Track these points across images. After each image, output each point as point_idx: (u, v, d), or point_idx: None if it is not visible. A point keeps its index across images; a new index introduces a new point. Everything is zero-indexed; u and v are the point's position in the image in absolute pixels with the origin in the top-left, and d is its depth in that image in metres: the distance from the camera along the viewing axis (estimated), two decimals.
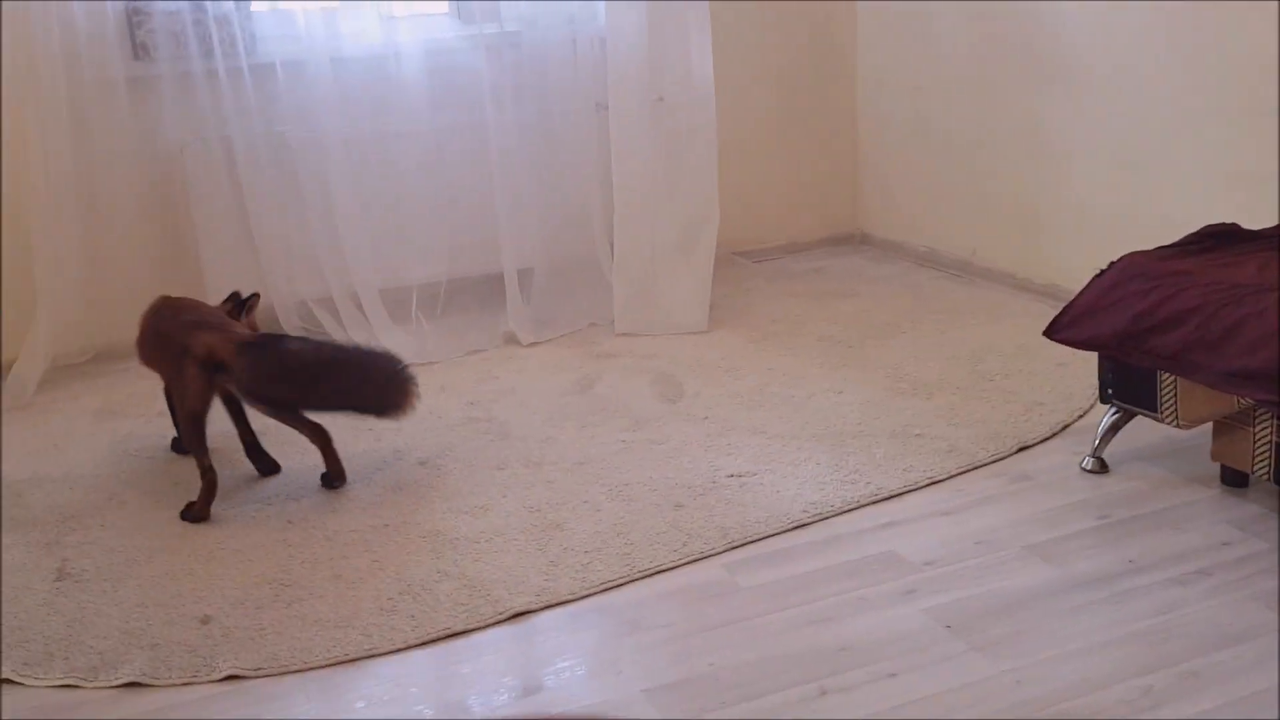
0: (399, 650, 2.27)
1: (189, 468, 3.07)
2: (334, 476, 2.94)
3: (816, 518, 2.70)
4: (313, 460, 3.10)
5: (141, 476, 3.07)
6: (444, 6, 4.19)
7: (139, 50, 3.82)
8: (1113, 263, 2.76)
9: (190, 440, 2.86)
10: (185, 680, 2.20)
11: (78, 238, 3.78)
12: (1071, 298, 2.80)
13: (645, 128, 4.00)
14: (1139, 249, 2.80)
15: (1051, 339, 2.80)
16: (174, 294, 3.27)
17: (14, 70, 3.63)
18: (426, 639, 2.30)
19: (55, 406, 3.61)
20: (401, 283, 4.12)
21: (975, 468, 2.92)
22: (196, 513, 2.81)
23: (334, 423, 3.16)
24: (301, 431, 2.93)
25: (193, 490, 2.92)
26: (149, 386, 3.72)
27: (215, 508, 2.84)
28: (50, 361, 3.77)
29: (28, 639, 2.34)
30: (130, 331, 3.95)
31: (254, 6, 3.88)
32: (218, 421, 2.91)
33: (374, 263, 4.08)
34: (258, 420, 3.02)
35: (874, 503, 2.77)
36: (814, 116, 4.89)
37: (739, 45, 4.66)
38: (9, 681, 2.23)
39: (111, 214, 3.88)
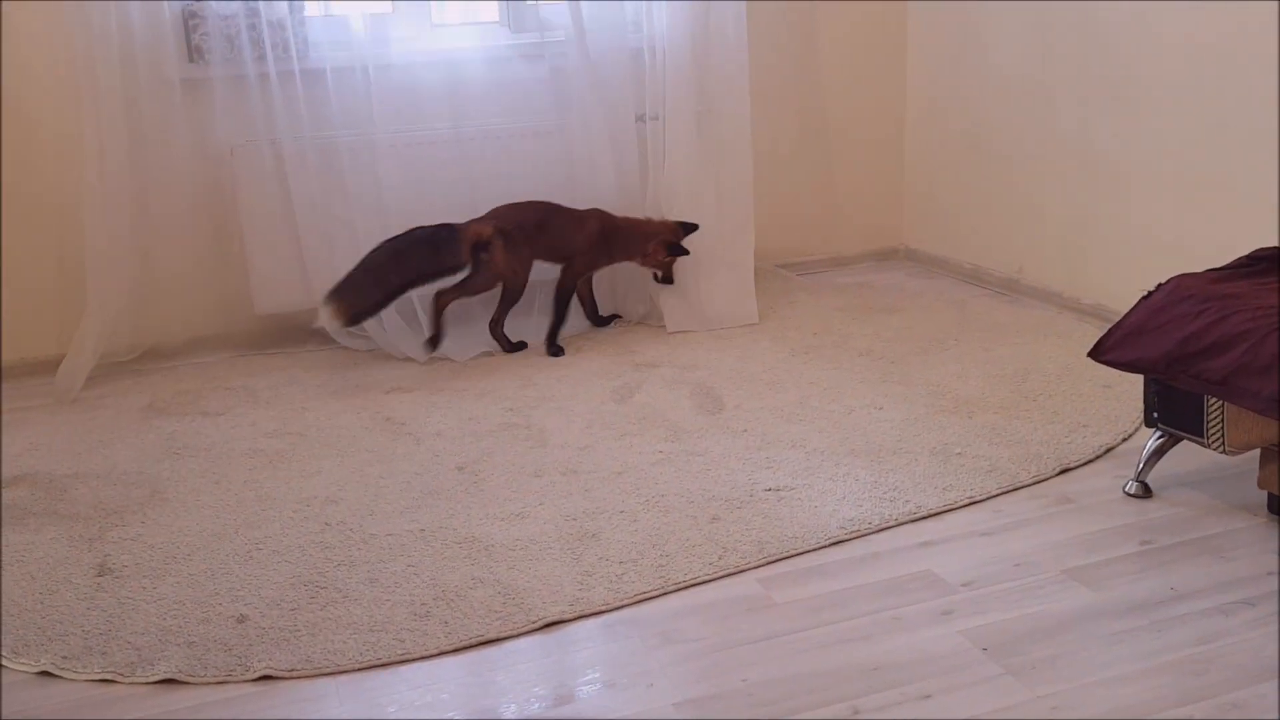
0: (432, 656, 2.28)
1: (231, 468, 3.11)
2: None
3: (854, 534, 2.69)
4: (356, 460, 3.13)
5: (185, 474, 3.10)
6: (494, 15, 4.21)
7: (194, 52, 3.87)
8: (1161, 284, 2.72)
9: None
10: (220, 679, 2.22)
11: (129, 235, 3.83)
12: (1119, 318, 2.77)
13: (693, 137, 4.15)
14: (1188, 271, 2.77)
15: (1097, 360, 2.77)
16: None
17: (73, 70, 3.69)
18: (459, 645, 2.30)
19: (102, 402, 3.66)
20: (444, 286, 4.14)
21: (1016, 488, 2.89)
22: None
23: (375, 422, 3.17)
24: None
25: (234, 488, 2.98)
26: (195, 385, 3.78)
27: (254, 509, 2.88)
28: (99, 358, 3.82)
29: (67, 632, 2.37)
30: (179, 330, 4.05)
31: (307, 12, 3.92)
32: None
33: None
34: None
35: (912, 521, 2.75)
36: (860, 130, 4.87)
37: (786, 58, 4.65)
38: (48, 674, 2.26)
39: (162, 213, 3.93)
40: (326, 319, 3.78)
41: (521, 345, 4.01)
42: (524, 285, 3.96)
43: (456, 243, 3.81)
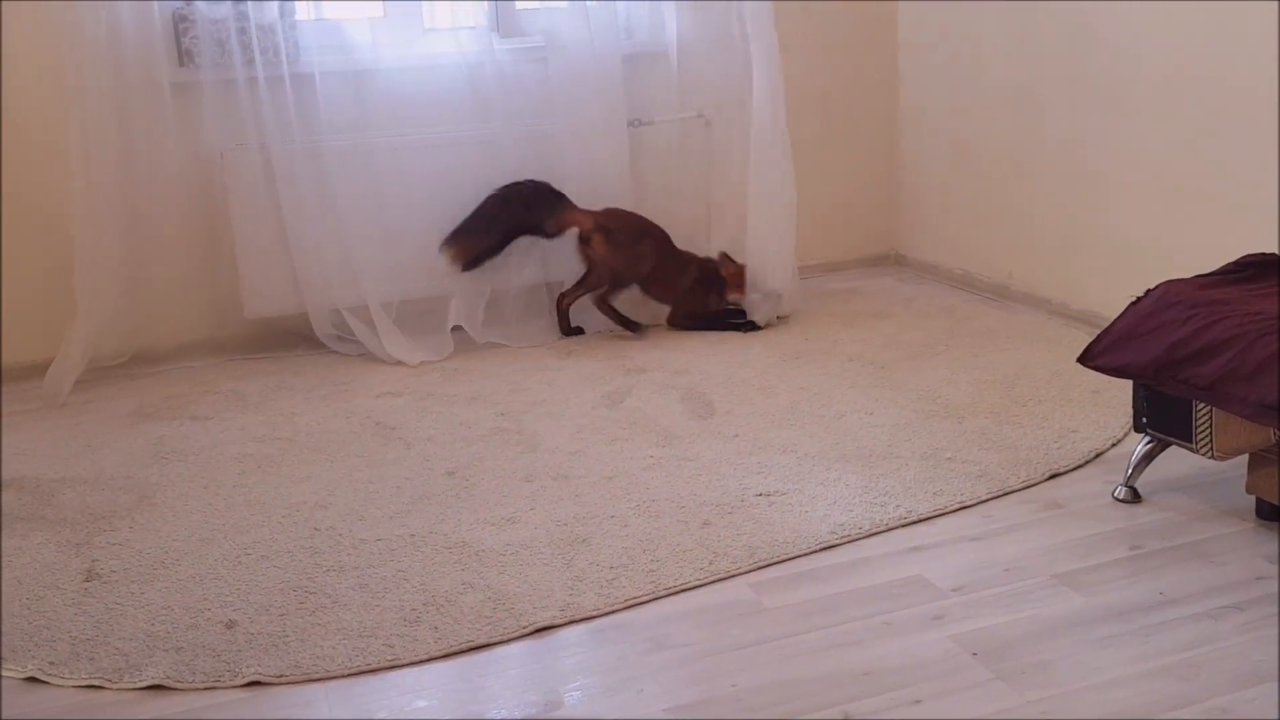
0: (421, 662, 2.27)
1: (219, 473, 3.10)
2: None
3: (844, 539, 2.69)
4: (346, 465, 3.12)
5: (173, 479, 3.09)
6: (484, 20, 4.20)
7: (184, 56, 3.87)
8: (1150, 290, 2.73)
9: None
10: (208, 684, 2.21)
11: (118, 239, 3.82)
12: (1108, 324, 2.78)
13: (735, 137, 4.29)
14: (1177, 277, 2.77)
15: (1086, 365, 2.77)
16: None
17: (63, 73, 3.68)
18: (449, 651, 2.30)
19: (90, 407, 3.65)
20: (436, 293, 4.14)
21: (1006, 493, 2.89)
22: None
23: (365, 427, 3.17)
24: None
25: (222, 493, 2.97)
26: (184, 389, 3.77)
27: (243, 513, 2.87)
28: (87, 362, 3.81)
29: (55, 638, 2.36)
30: (168, 334, 4.04)
31: (298, 16, 3.91)
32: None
33: (410, 271, 4.10)
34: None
35: (903, 526, 2.75)
36: (853, 136, 4.88)
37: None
38: (35, 680, 2.25)
39: (152, 217, 3.92)
40: (446, 263, 4.00)
41: (638, 325, 4.19)
42: (634, 279, 4.14)
43: (550, 211, 4.03)
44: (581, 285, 4.14)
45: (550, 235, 4.08)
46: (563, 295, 4.18)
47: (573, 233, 4.08)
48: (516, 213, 4.02)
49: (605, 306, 4.16)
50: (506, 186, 4.02)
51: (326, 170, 3.96)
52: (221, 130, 3.92)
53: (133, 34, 3.75)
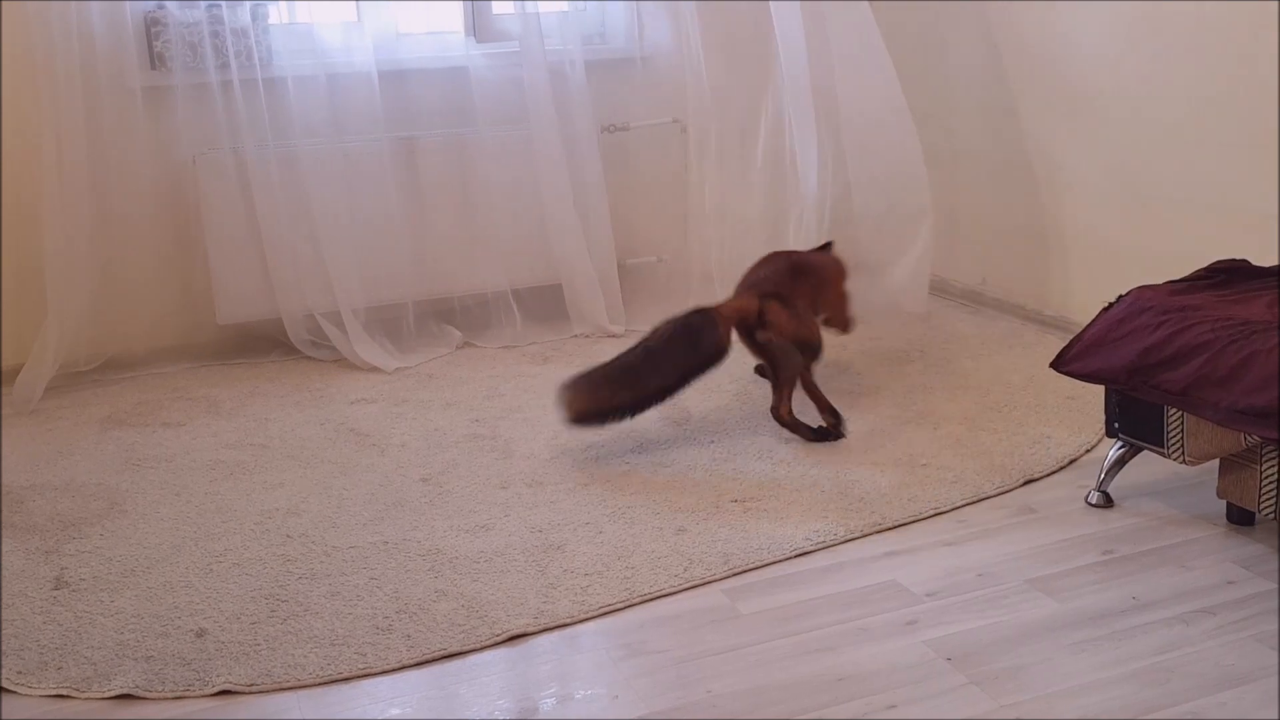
0: (394, 670, 2.26)
1: (191, 480, 3.07)
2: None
3: (819, 545, 2.69)
4: (319, 472, 3.10)
5: (144, 486, 3.07)
6: (460, 25, 4.20)
7: (156, 60, 3.84)
8: (1122, 296, 2.75)
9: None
10: (178, 694, 2.19)
11: (90, 244, 3.79)
12: (1080, 330, 2.79)
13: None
14: (1149, 282, 2.79)
15: (1059, 371, 2.79)
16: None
17: (33, 77, 3.64)
18: (422, 659, 2.28)
19: (61, 413, 3.62)
20: (412, 298, 4.13)
21: (980, 499, 2.90)
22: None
23: (339, 433, 3.14)
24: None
25: (194, 500, 2.95)
26: (156, 395, 3.74)
27: (215, 521, 2.85)
28: (58, 368, 3.78)
29: (23, 647, 2.33)
30: (139, 340, 4.01)
31: (271, 19, 3.89)
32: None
33: (384, 277, 4.09)
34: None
35: (877, 532, 2.75)
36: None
37: (750, 68, 4.66)
38: (2, 689, 2.22)
39: (124, 222, 3.89)
40: (560, 408, 3.17)
41: (827, 434, 3.26)
42: (822, 341, 3.36)
43: (714, 325, 3.16)
44: (781, 383, 3.27)
45: (726, 352, 3.22)
46: (776, 408, 3.25)
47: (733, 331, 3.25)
48: (677, 358, 3.14)
49: (781, 413, 3.25)
50: (648, 336, 3.19)
51: (300, 175, 3.94)
52: (194, 134, 3.90)
53: (103, 37, 3.73)
